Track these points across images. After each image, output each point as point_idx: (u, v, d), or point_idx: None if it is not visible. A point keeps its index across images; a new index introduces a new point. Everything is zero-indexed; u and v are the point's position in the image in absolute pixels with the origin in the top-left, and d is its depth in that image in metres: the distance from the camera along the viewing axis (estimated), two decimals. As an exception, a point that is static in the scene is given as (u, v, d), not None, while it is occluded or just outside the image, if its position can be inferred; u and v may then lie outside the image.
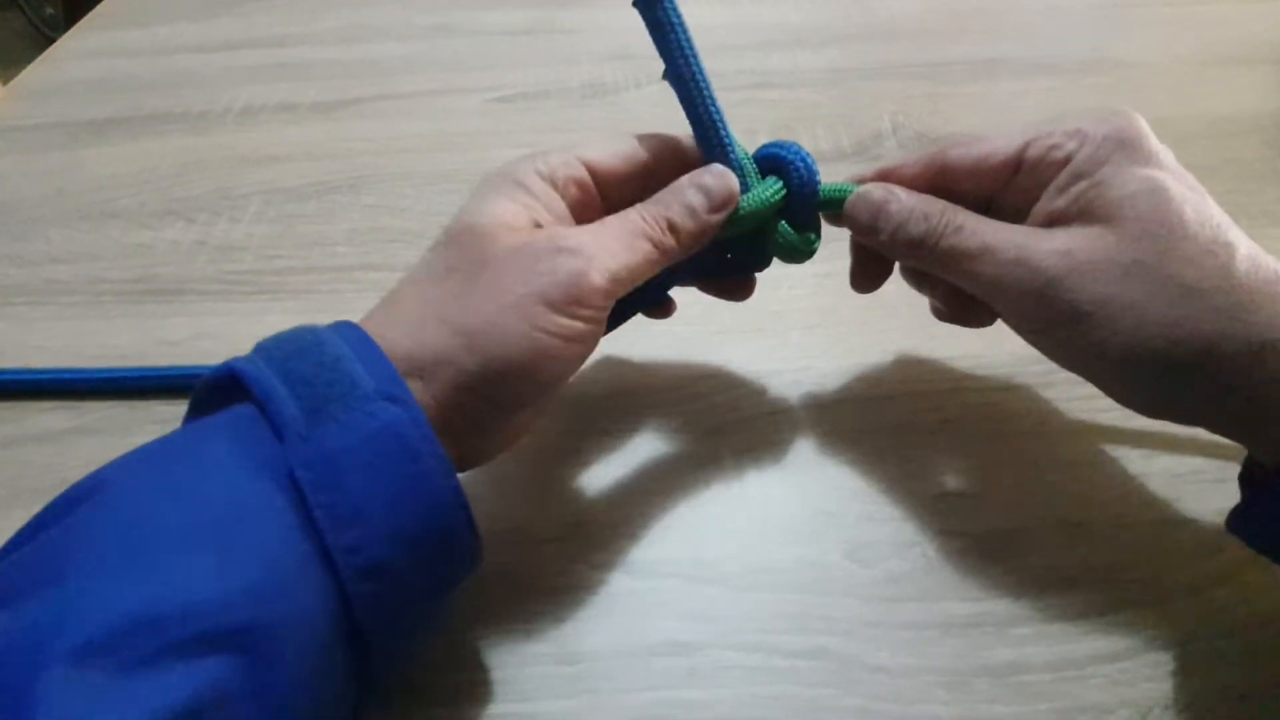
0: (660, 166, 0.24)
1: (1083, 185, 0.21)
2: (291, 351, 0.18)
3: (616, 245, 0.21)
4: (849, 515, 0.25)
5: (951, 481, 0.26)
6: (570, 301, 0.20)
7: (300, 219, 0.38)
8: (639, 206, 0.22)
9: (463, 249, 0.20)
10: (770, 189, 0.24)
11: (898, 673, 0.22)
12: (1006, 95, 0.45)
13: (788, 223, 0.24)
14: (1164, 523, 0.25)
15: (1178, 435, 0.26)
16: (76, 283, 0.35)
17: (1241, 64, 0.46)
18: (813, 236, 0.25)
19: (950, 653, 0.22)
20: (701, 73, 0.23)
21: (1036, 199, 0.22)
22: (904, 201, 0.23)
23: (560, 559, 0.24)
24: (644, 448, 0.28)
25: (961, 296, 0.24)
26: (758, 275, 0.26)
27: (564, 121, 0.44)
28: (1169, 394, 0.20)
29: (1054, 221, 0.21)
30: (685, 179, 0.23)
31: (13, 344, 0.32)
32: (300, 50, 0.51)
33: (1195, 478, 0.26)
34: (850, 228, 0.24)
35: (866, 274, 0.26)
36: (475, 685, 0.22)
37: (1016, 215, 0.23)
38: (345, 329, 0.19)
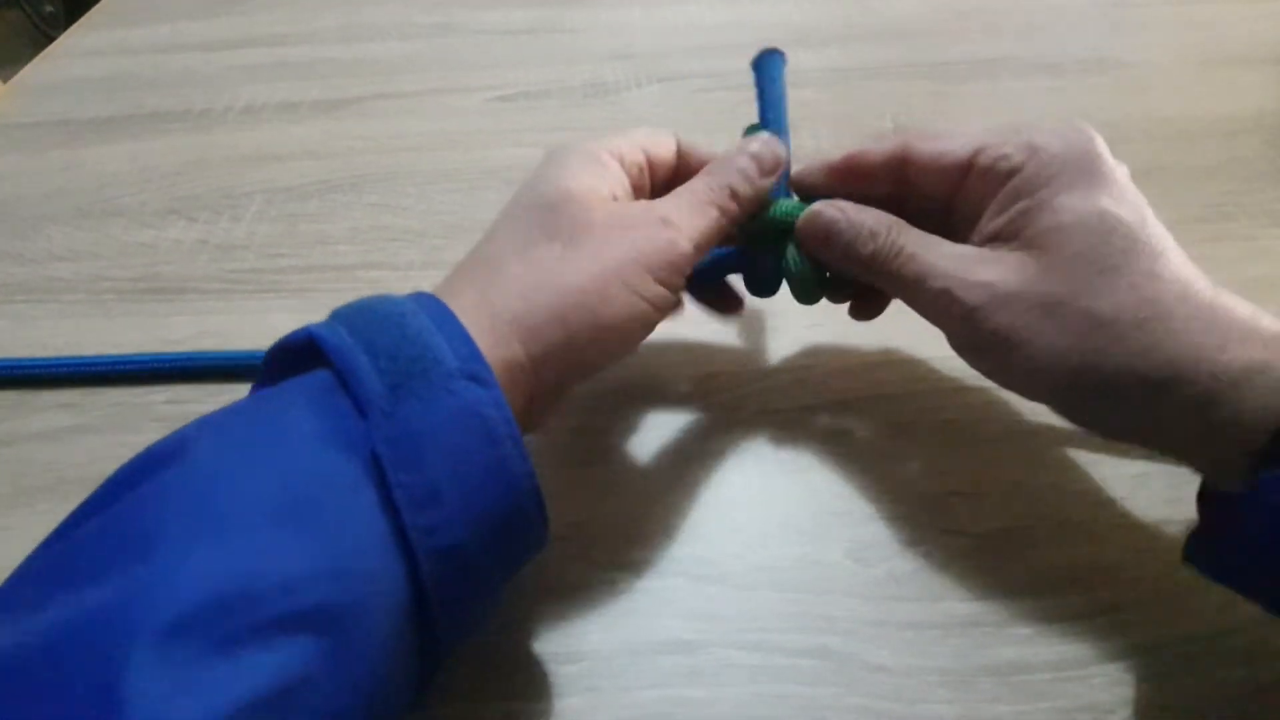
0: (687, 169, 0.25)
1: (1020, 206, 0.21)
2: (373, 322, 0.18)
3: (693, 214, 0.22)
4: (851, 514, 0.25)
5: (954, 481, 0.26)
6: (668, 269, 0.21)
7: (302, 218, 0.38)
8: (700, 179, 0.23)
9: (562, 214, 0.21)
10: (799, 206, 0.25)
11: (899, 672, 0.22)
12: (1008, 95, 0.45)
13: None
14: (1166, 521, 0.25)
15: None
16: (78, 281, 0.35)
17: (1243, 64, 0.46)
18: (810, 270, 0.25)
19: (952, 652, 0.22)
20: (786, 131, 0.26)
21: (984, 202, 0.23)
22: (852, 219, 0.23)
23: (562, 557, 0.24)
24: (646, 446, 0.28)
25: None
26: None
27: (566, 121, 0.44)
28: (1087, 416, 0.21)
29: (993, 238, 0.22)
30: (735, 150, 0.24)
31: (14, 342, 0.32)
32: (302, 49, 0.51)
33: (1198, 476, 0.26)
34: (805, 245, 0.25)
35: (862, 307, 0.27)
36: (477, 683, 0.22)
37: (968, 221, 0.23)
38: (427, 301, 0.19)
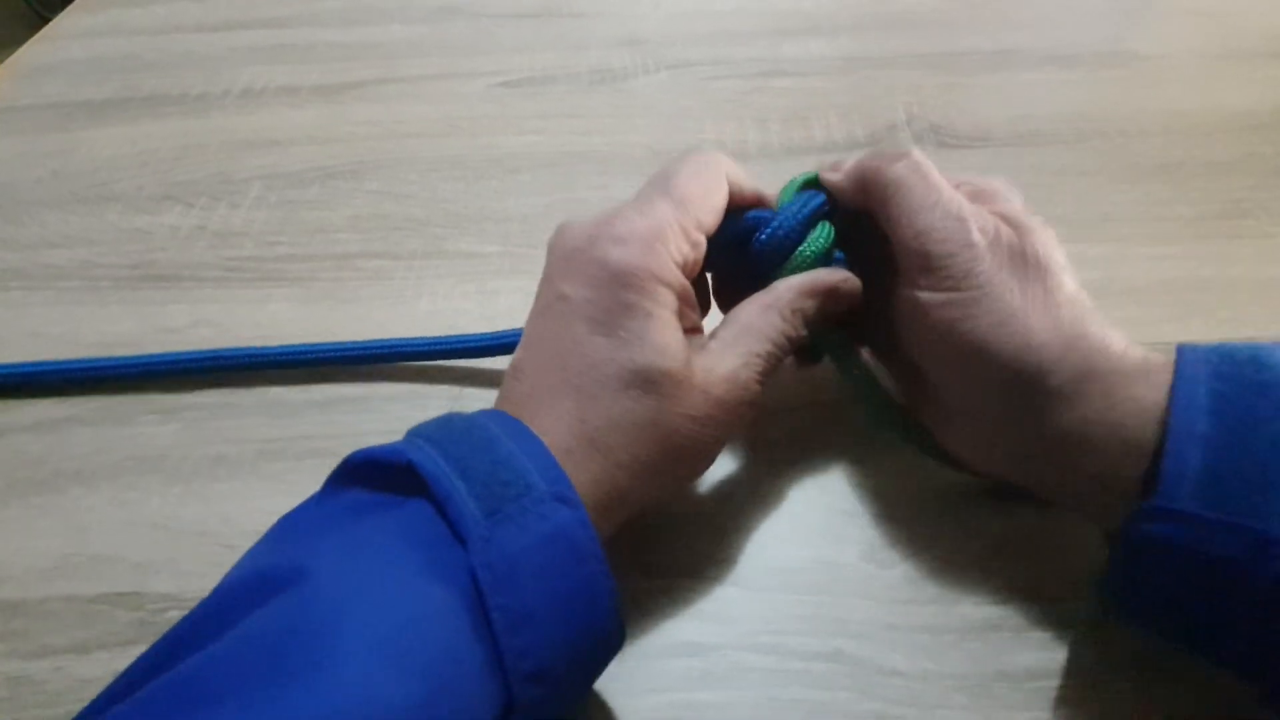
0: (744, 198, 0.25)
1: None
2: (465, 446, 0.19)
3: (765, 366, 0.22)
4: (866, 515, 0.25)
5: (970, 481, 0.26)
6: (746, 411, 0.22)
7: (302, 204, 0.37)
8: (783, 320, 0.23)
9: (660, 401, 0.20)
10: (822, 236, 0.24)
11: (915, 676, 0.21)
12: (1022, 86, 0.44)
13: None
14: (1185, 525, 0.24)
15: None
16: (73, 268, 0.34)
17: (1262, 57, 0.45)
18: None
19: (968, 657, 0.22)
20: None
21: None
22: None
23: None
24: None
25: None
26: None
27: (571, 107, 0.43)
28: (994, 404, 0.21)
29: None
30: (830, 284, 0.23)
31: (7, 330, 0.32)
32: (302, 31, 0.50)
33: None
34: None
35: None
36: None
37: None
38: (508, 423, 0.20)
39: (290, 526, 0.19)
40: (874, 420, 0.25)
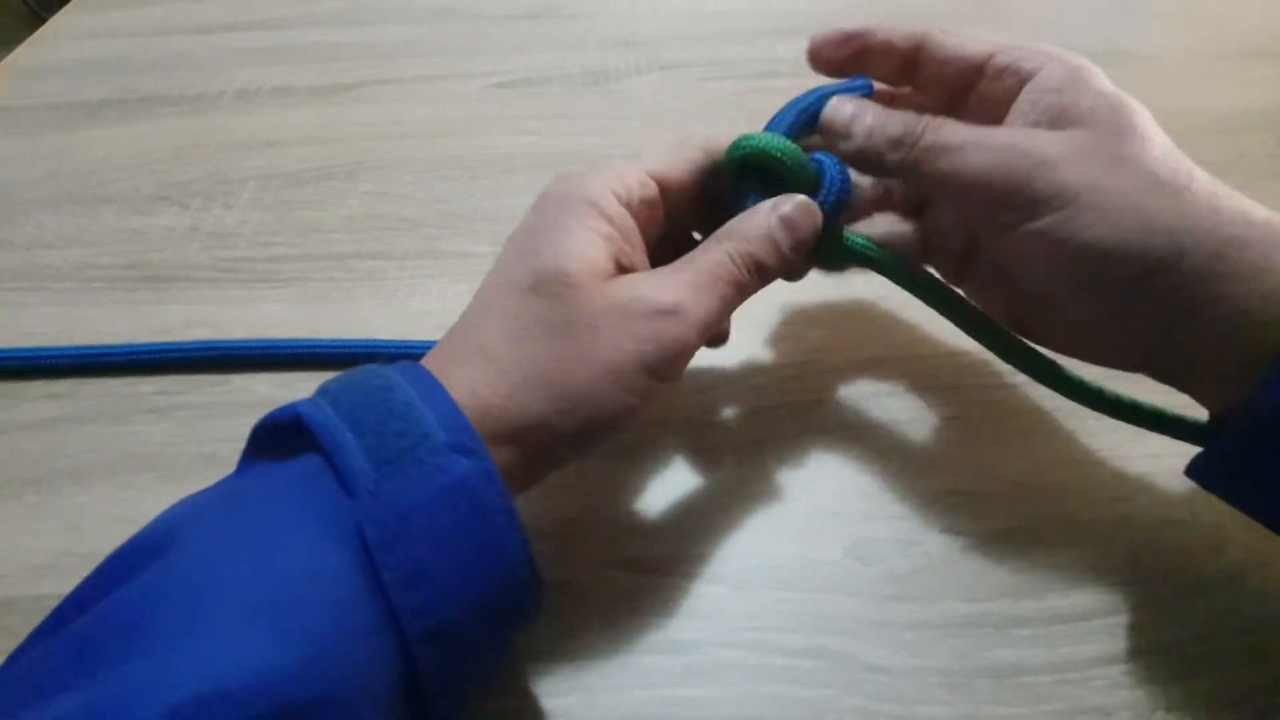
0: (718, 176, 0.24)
1: (1051, 99, 0.21)
2: (360, 397, 0.18)
3: (705, 295, 0.20)
4: (850, 513, 0.25)
5: (954, 479, 0.26)
6: (668, 366, 0.20)
7: (297, 205, 0.37)
8: (719, 246, 0.21)
9: (555, 301, 0.19)
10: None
11: (898, 673, 0.22)
12: (1015, 86, 0.44)
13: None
14: (1168, 523, 0.24)
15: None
16: (68, 268, 0.34)
17: (1253, 58, 0.45)
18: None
19: (951, 653, 0.22)
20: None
21: (998, 111, 0.22)
22: (878, 111, 0.23)
23: (556, 555, 0.24)
24: (643, 442, 0.27)
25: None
26: None
27: (566, 108, 0.43)
28: (1124, 304, 0.20)
29: (1027, 122, 0.22)
30: (768, 208, 0.22)
31: (3, 331, 0.32)
32: (298, 32, 0.50)
33: (1200, 476, 0.25)
34: (826, 134, 0.23)
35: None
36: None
37: (986, 119, 0.23)
38: (413, 373, 0.19)
39: (182, 501, 0.18)
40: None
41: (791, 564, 0.24)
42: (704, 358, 0.30)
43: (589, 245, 0.20)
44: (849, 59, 0.25)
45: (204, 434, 0.28)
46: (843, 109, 0.23)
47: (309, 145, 0.41)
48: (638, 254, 0.22)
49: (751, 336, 0.30)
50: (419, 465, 0.17)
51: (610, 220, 0.21)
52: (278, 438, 0.18)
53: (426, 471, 0.17)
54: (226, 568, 0.15)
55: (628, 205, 0.21)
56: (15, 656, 0.16)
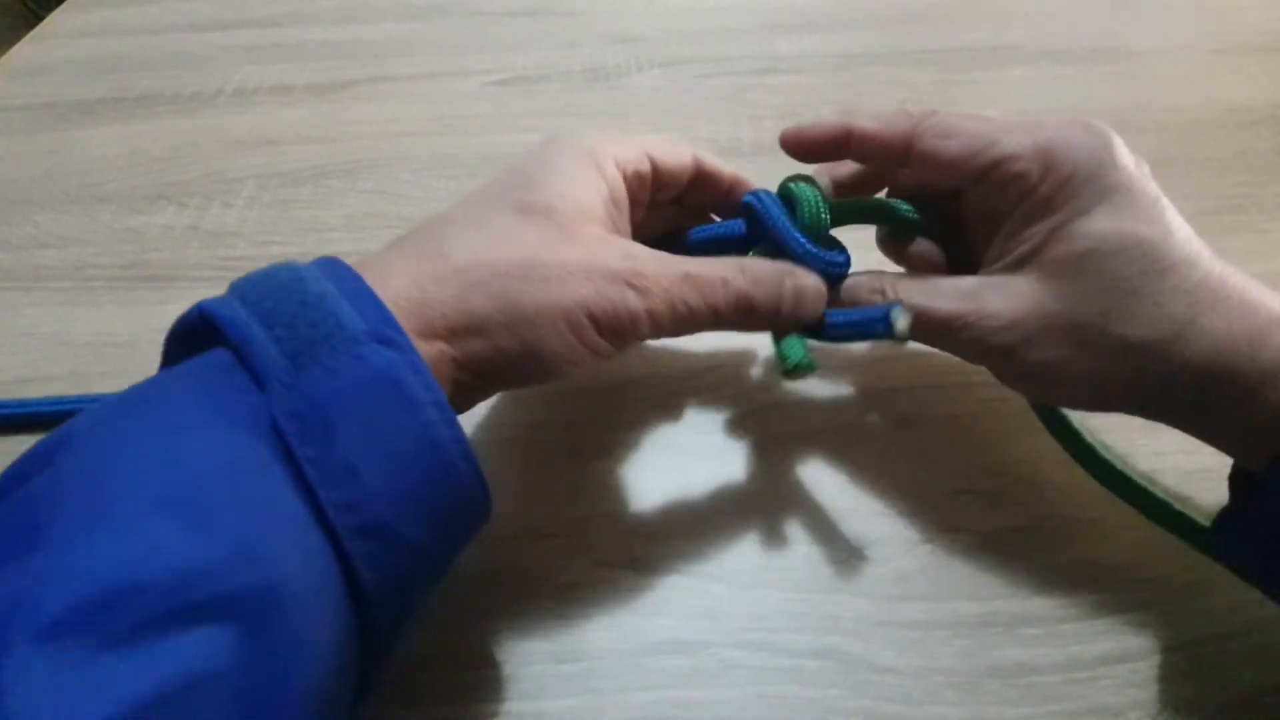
0: (703, 188, 0.25)
1: (1037, 229, 0.21)
2: (269, 290, 0.17)
3: (674, 294, 0.20)
4: (857, 512, 0.25)
5: (961, 478, 0.26)
6: (616, 333, 0.20)
7: (295, 204, 0.37)
8: (725, 266, 0.21)
9: (534, 227, 0.19)
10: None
11: (906, 673, 0.21)
12: (1017, 82, 0.44)
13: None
14: (1176, 521, 0.24)
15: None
16: (65, 268, 0.34)
17: (1255, 52, 0.45)
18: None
19: (959, 653, 0.22)
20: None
21: (998, 210, 0.22)
22: (850, 295, 0.23)
23: (562, 555, 0.24)
24: (647, 442, 0.27)
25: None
26: None
27: (565, 105, 0.43)
28: (1150, 416, 0.21)
29: (1008, 257, 0.22)
30: (786, 269, 0.22)
31: (0, 332, 0.31)
32: (295, 30, 0.50)
33: (1206, 476, 0.25)
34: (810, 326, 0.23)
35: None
36: (476, 683, 0.21)
37: (981, 217, 0.23)
38: (329, 265, 0.18)
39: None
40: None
41: (797, 564, 0.24)
42: (707, 356, 0.30)
43: (584, 191, 0.20)
44: (832, 150, 0.24)
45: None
46: (817, 305, 0.23)
47: (307, 144, 0.41)
48: (624, 220, 0.22)
49: (756, 337, 0.30)
50: (334, 355, 0.16)
51: (605, 178, 0.21)
52: (189, 344, 0.17)
53: (343, 361, 0.16)
54: (129, 464, 0.14)
55: (623, 172, 0.22)
56: None
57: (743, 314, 0.21)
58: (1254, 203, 0.35)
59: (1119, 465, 0.24)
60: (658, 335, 0.21)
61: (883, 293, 0.23)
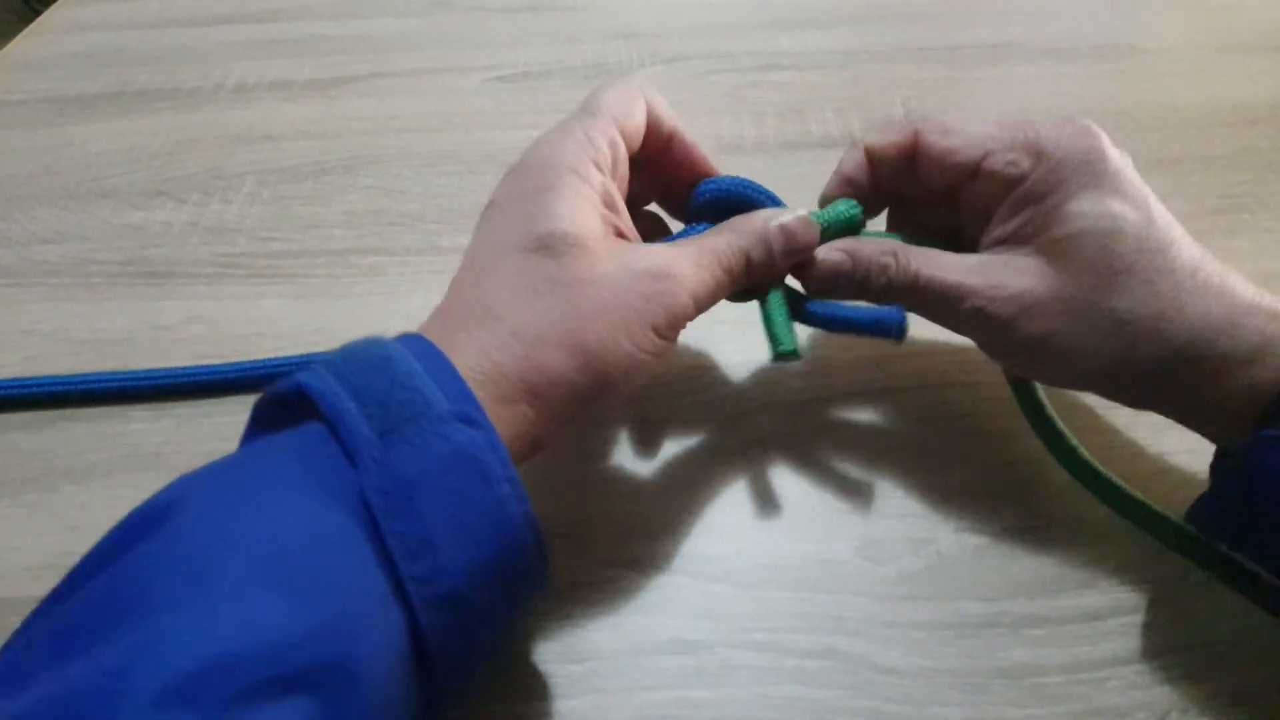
0: (660, 136, 0.24)
1: (1029, 213, 0.22)
2: (361, 367, 0.18)
3: (699, 270, 0.21)
4: (860, 511, 0.25)
5: (966, 478, 0.26)
6: (670, 326, 0.21)
7: (295, 200, 0.37)
8: (723, 235, 0.23)
9: (561, 260, 0.20)
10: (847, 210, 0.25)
11: (910, 674, 0.21)
12: (1020, 80, 0.44)
13: None
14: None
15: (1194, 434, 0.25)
16: (65, 264, 0.34)
17: (1259, 51, 0.45)
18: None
19: (964, 654, 0.22)
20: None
21: (992, 204, 0.23)
22: (859, 257, 0.24)
23: (566, 556, 0.24)
24: (651, 443, 0.27)
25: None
26: None
27: (567, 102, 0.42)
28: (1114, 395, 0.23)
29: (1004, 242, 0.23)
30: (767, 214, 0.23)
31: (0, 327, 0.31)
32: (295, 25, 0.50)
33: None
34: (815, 291, 0.25)
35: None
36: (480, 683, 0.21)
37: (975, 217, 0.24)
38: (414, 343, 0.19)
39: (181, 476, 0.17)
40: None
41: (801, 563, 0.24)
42: (711, 355, 0.29)
43: (582, 210, 0.21)
44: (857, 186, 0.26)
45: (203, 433, 0.28)
46: (822, 269, 0.24)
47: (307, 139, 0.40)
48: (624, 220, 0.22)
49: (760, 334, 0.30)
50: (422, 434, 0.17)
51: (593, 187, 0.21)
52: (280, 410, 0.18)
53: (430, 440, 0.17)
54: (233, 533, 0.15)
55: (600, 166, 0.22)
56: (22, 630, 0.15)
57: (749, 270, 0.23)
58: (1257, 201, 0.35)
59: (1088, 456, 0.24)
60: (698, 314, 0.22)
61: (894, 255, 0.23)
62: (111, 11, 0.52)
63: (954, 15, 0.49)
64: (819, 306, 0.24)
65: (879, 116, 0.41)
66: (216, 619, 0.14)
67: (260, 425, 0.19)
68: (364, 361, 0.18)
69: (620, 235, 0.22)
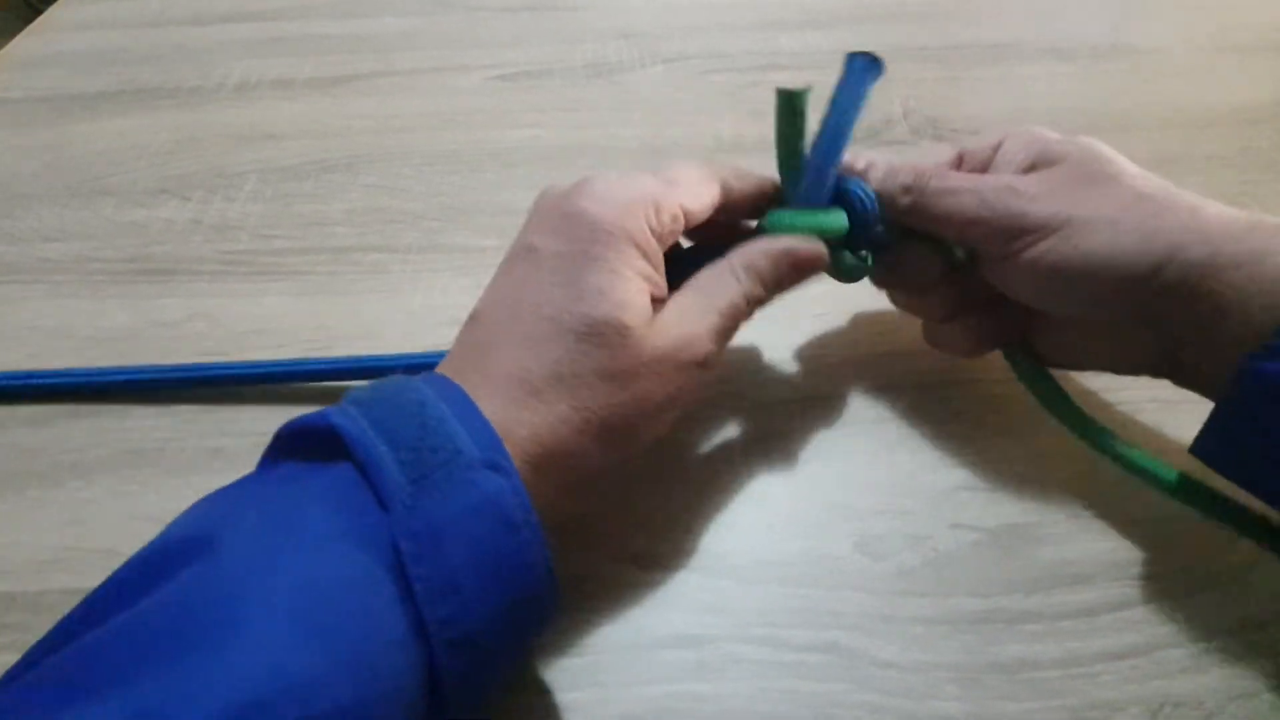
0: (738, 207, 0.25)
1: (1023, 155, 0.24)
2: (392, 410, 0.18)
3: (725, 337, 0.22)
4: (859, 507, 0.25)
5: (963, 474, 0.26)
6: (696, 401, 0.22)
7: (298, 198, 0.37)
8: (741, 284, 0.23)
9: (611, 352, 0.20)
10: (836, 219, 0.25)
11: (908, 668, 0.22)
12: (1019, 79, 0.44)
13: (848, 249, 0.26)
14: (1176, 518, 0.24)
15: (1189, 429, 0.26)
16: (67, 262, 0.34)
17: (1259, 51, 0.45)
18: (867, 255, 0.26)
19: (961, 648, 0.22)
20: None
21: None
22: (892, 161, 0.26)
23: (568, 551, 0.24)
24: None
25: (963, 302, 0.26)
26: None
27: (567, 101, 0.43)
28: (1127, 308, 0.22)
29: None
30: (785, 247, 0.23)
31: (3, 325, 0.31)
32: (297, 24, 0.50)
33: (1209, 471, 0.25)
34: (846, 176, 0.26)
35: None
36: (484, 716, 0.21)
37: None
38: (443, 386, 0.19)
39: (210, 500, 0.18)
40: (845, 278, 0.26)
41: (801, 559, 0.24)
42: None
43: (637, 292, 0.21)
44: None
45: (208, 428, 0.28)
46: (859, 160, 0.26)
47: (308, 138, 0.41)
48: (661, 278, 0.22)
49: (760, 332, 0.30)
50: (450, 481, 0.17)
51: (647, 257, 0.21)
52: (306, 441, 0.18)
53: (458, 488, 0.17)
54: (268, 574, 0.16)
55: (658, 237, 0.22)
56: (29, 663, 0.15)
57: (758, 304, 0.23)
58: (1257, 201, 0.36)
59: (1087, 411, 0.25)
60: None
61: (921, 168, 0.25)
62: (113, 10, 0.52)
63: (954, 15, 0.49)
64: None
65: (879, 115, 0.41)
66: (250, 661, 0.14)
67: (282, 448, 0.19)
68: (395, 404, 0.18)
69: (658, 300, 0.22)
